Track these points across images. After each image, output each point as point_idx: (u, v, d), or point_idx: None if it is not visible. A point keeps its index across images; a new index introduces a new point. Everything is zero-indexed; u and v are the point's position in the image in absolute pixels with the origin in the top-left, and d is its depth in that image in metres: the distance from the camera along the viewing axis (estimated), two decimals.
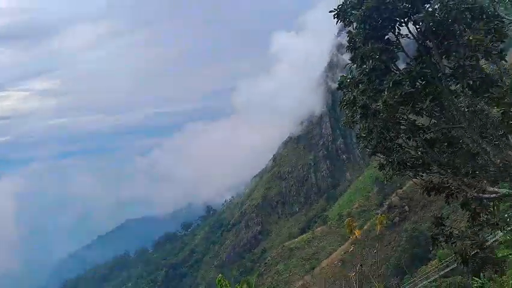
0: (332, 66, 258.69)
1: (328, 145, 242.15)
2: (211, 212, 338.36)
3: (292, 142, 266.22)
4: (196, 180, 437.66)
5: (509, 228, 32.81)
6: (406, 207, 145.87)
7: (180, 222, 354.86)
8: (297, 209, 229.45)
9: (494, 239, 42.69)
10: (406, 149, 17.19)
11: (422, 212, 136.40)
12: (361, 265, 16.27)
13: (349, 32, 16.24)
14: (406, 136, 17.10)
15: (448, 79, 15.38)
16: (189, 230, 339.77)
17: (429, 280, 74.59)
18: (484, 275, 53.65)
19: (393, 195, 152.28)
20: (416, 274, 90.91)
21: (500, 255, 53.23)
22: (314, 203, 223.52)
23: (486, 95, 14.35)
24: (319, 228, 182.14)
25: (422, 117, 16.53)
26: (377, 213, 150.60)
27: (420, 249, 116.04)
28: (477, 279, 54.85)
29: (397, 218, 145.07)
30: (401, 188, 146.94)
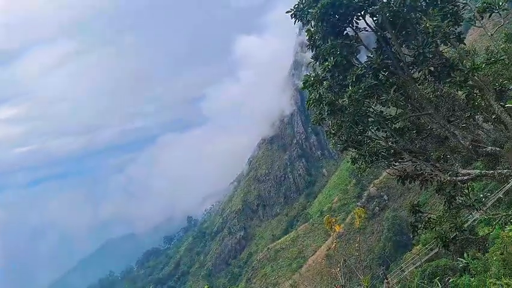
0: (297, 64, 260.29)
1: (302, 143, 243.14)
2: (193, 223, 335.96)
3: (266, 144, 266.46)
4: (175, 192, 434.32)
5: (485, 208, 33.35)
6: (385, 196, 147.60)
7: (162, 236, 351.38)
8: (278, 210, 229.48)
9: (474, 218, 43.29)
10: (376, 141, 17.28)
11: (401, 199, 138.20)
12: (344, 260, 16.17)
13: (308, 30, 16.25)
14: (375, 128, 17.20)
15: (410, 67, 15.54)
16: (172, 243, 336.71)
17: (415, 266, 75.29)
18: (468, 255, 54.51)
19: (371, 186, 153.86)
20: (402, 261, 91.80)
21: (481, 233, 54.14)
22: (294, 202, 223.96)
23: (448, 80, 14.52)
24: (302, 227, 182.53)
25: (389, 107, 16.67)
26: (357, 205, 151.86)
27: (403, 236, 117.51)
28: (462, 259, 55.65)
29: (377, 207, 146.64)
30: (378, 178, 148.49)
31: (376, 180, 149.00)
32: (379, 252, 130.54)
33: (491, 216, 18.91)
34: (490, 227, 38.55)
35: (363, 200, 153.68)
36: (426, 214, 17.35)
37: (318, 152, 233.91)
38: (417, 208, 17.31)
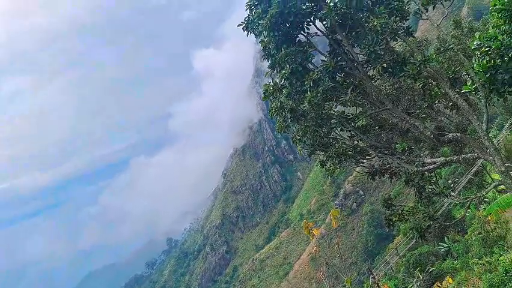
0: (258, 72, 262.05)
1: (273, 150, 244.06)
2: (173, 244, 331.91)
3: (238, 154, 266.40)
4: (152, 215, 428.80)
5: (456, 193, 34.08)
6: (360, 191, 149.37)
7: (144, 262, 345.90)
8: (258, 220, 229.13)
9: (448, 203, 44.15)
10: (342, 141, 17.54)
11: (377, 193, 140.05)
12: (327, 263, 16.29)
13: (261, 41, 16.42)
14: (339, 129, 17.46)
15: (364, 66, 15.85)
16: (155, 267, 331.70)
17: (398, 257, 76.17)
18: (449, 238, 55.46)
19: (346, 183, 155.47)
20: (385, 253, 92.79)
21: (458, 216, 55.32)
22: (273, 209, 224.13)
23: (402, 74, 14.86)
24: (284, 233, 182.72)
25: (350, 107, 16.95)
26: (335, 204, 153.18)
27: (384, 228, 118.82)
28: (443, 244, 56.56)
29: (354, 203, 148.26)
30: (351, 175, 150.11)
31: (350, 177, 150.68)
32: (362, 247, 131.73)
33: (462, 201, 19.27)
34: (465, 209, 39.39)
35: (340, 198, 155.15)
36: (399, 207, 17.65)
37: (291, 156, 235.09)
38: (389, 202, 17.60)
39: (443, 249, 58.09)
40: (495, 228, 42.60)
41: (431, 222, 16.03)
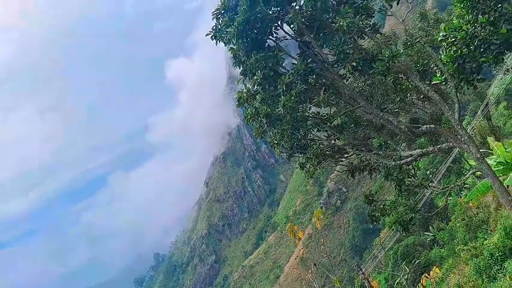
0: (232, 78, 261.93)
1: (254, 154, 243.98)
2: (161, 258, 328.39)
3: (219, 162, 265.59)
4: (137, 230, 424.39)
5: (435, 183, 34.54)
6: (343, 188, 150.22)
7: (133, 279, 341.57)
8: (244, 226, 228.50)
9: (430, 192, 44.62)
10: (319, 142, 17.65)
11: (359, 188, 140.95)
12: (314, 264, 16.36)
13: (231, 49, 16.47)
14: (315, 129, 17.57)
15: (335, 66, 16.00)
16: (144, 284, 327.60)
17: (386, 249, 76.83)
18: (433, 227, 56.06)
19: (329, 181, 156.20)
20: (373, 247, 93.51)
21: (440, 204, 56.06)
22: (259, 214, 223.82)
23: (371, 71, 15.05)
24: (271, 237, 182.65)
25: (325, 108, 17.07)
26: (320, 203, 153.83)
27: (369, 223, 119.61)
28: (428, 233, 57.13)
29: (338, 201, 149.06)
30: (333, 173, 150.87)
31: (332, 175, 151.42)
32: (350, 243, 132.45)
33: (442, 191, 19.52)
34: (445, 198, 39.89)
35: (324, 197, 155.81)
36: (380, 202, 17.83)
37: (272, 160, 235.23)
38: (371, 198, 17.76)
39: (429, 239, 58.78)
40: (477, 214, 43.30)
41: (413, 215, 16.22)
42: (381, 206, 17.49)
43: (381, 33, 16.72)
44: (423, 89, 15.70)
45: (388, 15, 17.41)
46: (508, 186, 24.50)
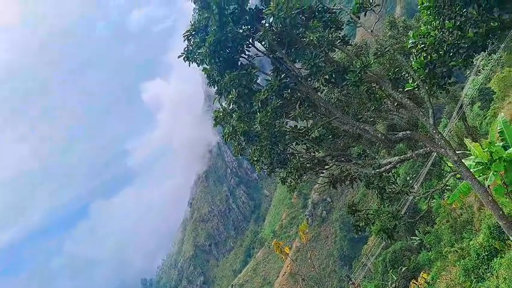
0: (210, 96, 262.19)
1: (236, 171, 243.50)
2: (148, 284, 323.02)
3: (201, 181, 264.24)
4: (122, 257, 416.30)
5: (416, 188, 34.82)
6: (328, 198, 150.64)
7: None
8: (231, 244, 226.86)
9: (412, 197, 44.96)
10: (299, 155, 17.68)
11: (344, 197, 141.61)
12: (303, 279, 16.29)
13: (204, 69, 16.48)
14: (294, 143, 17.61)
15: (308, 80, 16.11)
16: None
17: (374, 257, 77.00)
18: (420, 231, 56.33)
19: (313, 192, 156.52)
20: (361, 256, 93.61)
21: (424, 207, 56.47)
22: (245, 230, 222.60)
23: (344, 83, 15.21)
24: (259, 253, 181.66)
25: (302, 121, 17.14)
26: (305, 215, 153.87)
27: (354, 233, 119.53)
28: (415, 237, 57.38)
29: (324, 211, 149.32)
30: (317, 184, 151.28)
31: (316, 186, 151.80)
32: (338, 253, 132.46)
33: (423, 196, 19.69)
34: (431, 200, 40.15)
35: (309, 208, 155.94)
36: (364, 211, 17.88)
37: (255, 175, 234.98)
38: (354, 208, 17.81)
39: (416, 243, 59.07)
40: (461, 214, 43.72)
41: (397, 222, 16.29)
42: (365, 216, 17.55)
43: (351, 45, 16.95)
44: (396, 96, 15.90)
45: (357, 27, 17.64)
46: (488, 186, 24.82)
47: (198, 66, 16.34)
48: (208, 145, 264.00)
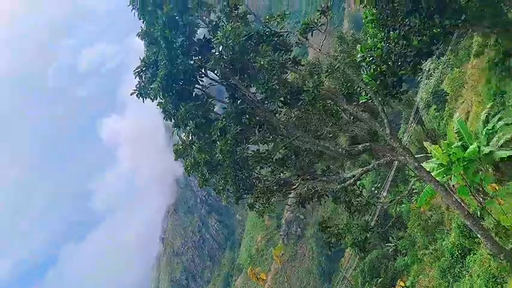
0: (169, 127, 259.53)
1: (206, 199, 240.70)
2: None
3: (171, 214, 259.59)
4: None
5: (385, 194, 35.26)
6: (301, 216, 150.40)
7: None
8: (209, 275, 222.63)
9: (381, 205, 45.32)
10: (264, 179, 17.63)
11: (316, 213, 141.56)
12: None
13: (159, 103, 16.35)
14: (258, 167, 17.55)
15: (265, 103, 16.20)
16: None
17: (352, 268, 77.12)
18: (393, 237, 56.80)
19: (285, 211, 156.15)
20: (339, 269, 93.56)
21: (394, 213, 57.07)
22: (222, 259, 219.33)
23: (299, 103, 15.36)
24: (239, 280, 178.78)
25: (263, 145, 17.15)
26: (280, 236, 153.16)
27: (327, 250, 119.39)
28: (389, 244, 57.82)
29: (298, 229, 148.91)
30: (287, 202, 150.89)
31: (287, 205, 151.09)
32: (317, 270, 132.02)
33: (389, 204, 19.94)
34: (400, 205, 40.67)
35: (283, 228, 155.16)
36: (334, 227, 17.94)
37: (224, 202, 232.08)
38: (324, 225, 17.85)
39: (391, 249, 59.46)
40: (431, 216, 44.40)
41: (367, 234, 16.40)
42: (336, 231, 17.61)
43: (303, 65, 17.17)
44: (351, 110, 16.17)
45: (306, 47, 17.92)
46: (453, 185, 25.31)
47: (152, 101, 16.18)
48: (174, 176, 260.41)
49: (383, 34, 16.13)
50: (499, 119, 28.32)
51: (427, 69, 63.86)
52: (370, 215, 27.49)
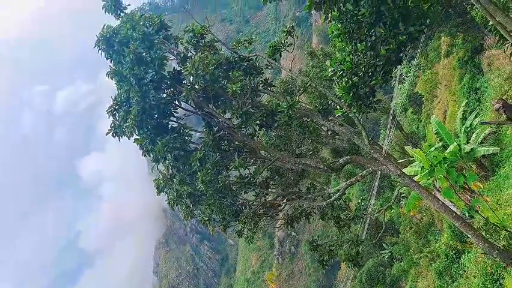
0: (150, 159, 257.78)
1: (196, 227, 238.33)
2: None
3: (162, 246, 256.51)
4: None
5: (373, 202, 35.29)
6: (293, 233, 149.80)
7: None
8: None
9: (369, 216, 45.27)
10: (249, 204, 17.49)
11: (308, 228, 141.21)
12: None
13: (135, 140, 16.21)
14: (243, 192, 17.41)
15: (242, 127, 16.14)
16: None
17: (350, 279, 76.77)
18: (387, 244, 56.75)
19: (276, 230, 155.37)
20: (338, 282, 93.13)
21: (385, 219, 57.10)
22: (218, 286, 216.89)
23: (275, 125, 15.34)
24: None
25: (244, 170, 17.02)
26: (275, 255, 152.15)
27: (321, 268, 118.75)
28: (384, 251, 57.80)
29: (292, 247, 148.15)
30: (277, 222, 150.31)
31: (276, 228, 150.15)
32: (316, 285, 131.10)
33: (377, 214, 19.92)
34: (390, 211, 40.69)
35: (277, 247, 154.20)
36: (325, 244, 17.82)
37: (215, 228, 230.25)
38: (314, 244, 17.71)
39: (386, 256, 59.29)
40: (422, 218, 44.50)
41: (358, 248, 16.30)
42: (328, 248, 17.47)
43: (275, 86, 17.22)
44: (328, 126, 16.19)
45: (275, 69, 17.99)
46: (439, 186, 25.36)
47: (128, 138, 16.04)
48: (161, 207, 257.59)
49: (350, 47, 16.29)
50: (476, 116, 28.68)
51: (400, 73, 64.67)
52: (361, 224, 27.40)
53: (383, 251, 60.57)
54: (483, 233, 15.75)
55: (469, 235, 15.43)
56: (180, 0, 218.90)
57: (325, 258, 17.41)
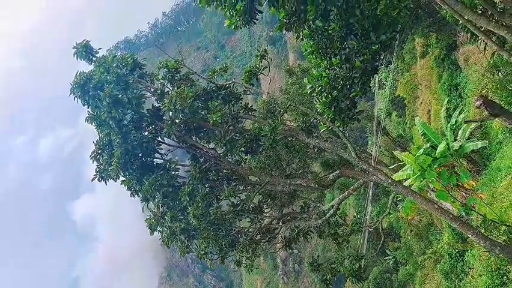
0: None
1: (196, 258, 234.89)
2: None
3: (165, 280, 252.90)
4: None
5: (370, 209, 35.16)
6: (295, 250, 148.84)
7: None
8: None
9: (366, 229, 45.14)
10: (245, 231, 17.26)
11: (309, 244, 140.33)
12: None
13: (123, 181, 16.02)
14: (236, 220, 17.19)
15: (228, 155, 15.99)
16: None
17: None
18: (389, 249, 56.52)
19: (278, 251, 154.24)
20: None
21: (385, 225, 56.89)
22: None
23: (261, 150, 15.23)
24: None
25: (235, 198, 16.82)
26: (280, 275, 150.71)
27: None
28: (388, 257, 57.49)
29: (295, 265, 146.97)
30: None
31: (274, 252, 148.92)
32: None
33: (375, 225, 19.78)
34: (388, 216, 40.50)
35: (281, 267, 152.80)
36: (325, 263, 17.59)
37: (215, 256, 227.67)
38: (315, 264, 17.47)
39: (390, 262, 58.87)
40: (420, 220, 44.34)
41: (360, 263, 16.10)
42: (329, 267, 17.23)
43: (255, 110, 17.17)
44: (313, 143, 16.12)
45: (252, 94, 17.97)
46: (434, 187, 25.25)
47: (115, 181, 15.83)
48: (159, 241, 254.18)
49: (325, 62, 16.28)
50: (460, 113, 28.81)
51: (379, 79, 65.15)
52: (361, 234, 27.20)
53: (386, 257, 60.14)
54: (482, 231, 15.62)
55: (468, 235, 15.31)
56: (154, 35, 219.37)
57: (328, 277, 17.15)
